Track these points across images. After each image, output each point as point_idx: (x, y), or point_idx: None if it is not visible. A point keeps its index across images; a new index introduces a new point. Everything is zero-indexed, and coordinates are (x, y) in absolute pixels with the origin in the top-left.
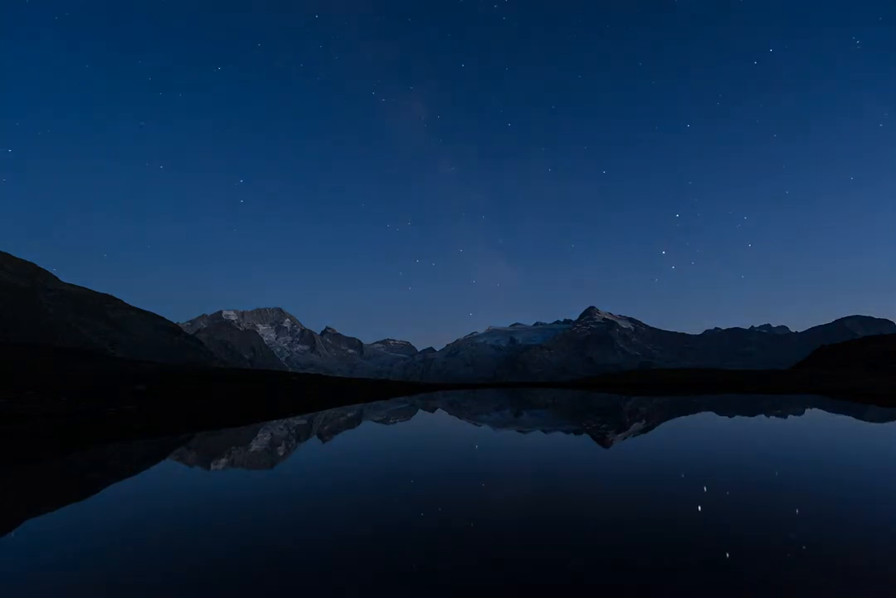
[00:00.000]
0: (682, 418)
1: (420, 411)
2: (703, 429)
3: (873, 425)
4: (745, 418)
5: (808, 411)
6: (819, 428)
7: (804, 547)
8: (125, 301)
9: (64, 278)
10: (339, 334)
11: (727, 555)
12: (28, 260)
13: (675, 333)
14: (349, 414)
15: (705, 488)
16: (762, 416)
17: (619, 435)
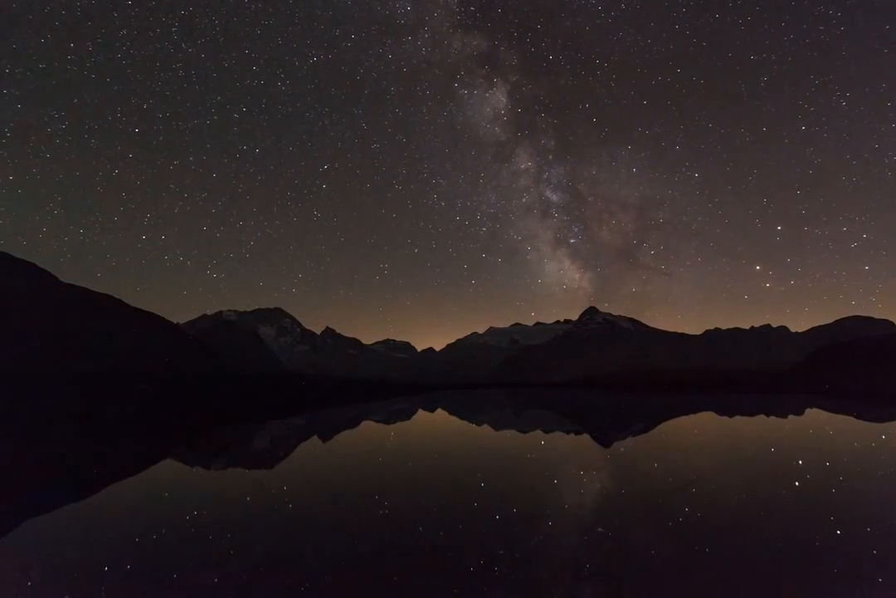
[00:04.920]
0: (682, 418)
1: (421, 411)
2: (702, 431)
3: (873, 425)
4: (746, 419)
5: (807, 411)
6: (819, 430)
7: (802, 550)
8: (125, 301)
9: (64, 278)
10: (339, 334)
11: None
12: (28, 260)
13: (675, 333)
14: (349, 414)
15: (704, 491)
16: (762, 416)
17: (619, 438)
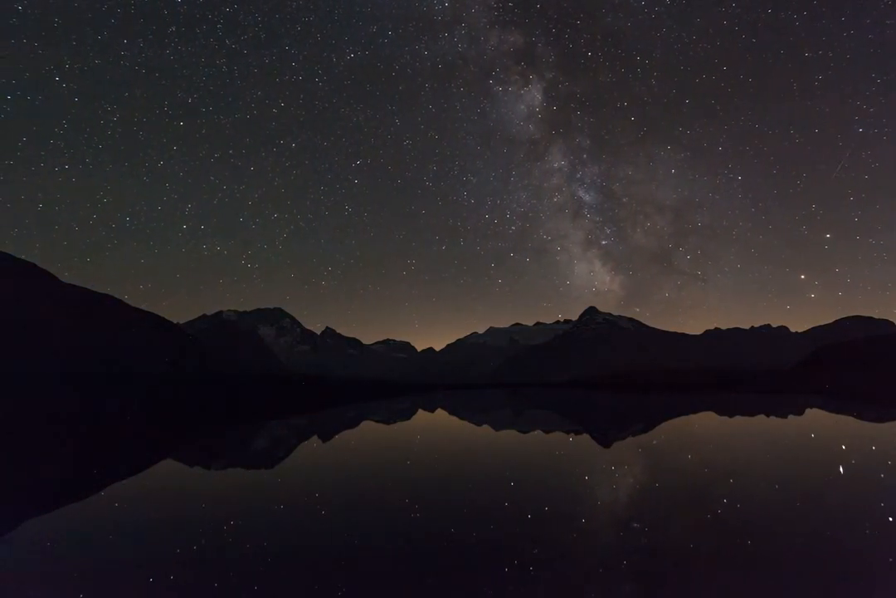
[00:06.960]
0: (682, 418)
1: (421, 411)
2: (703, 431)
3: (873, 425)
4: (746, 419)
5: (807, 411)
6: (819, 430)
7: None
8: (125, 301)
9: (64, 279)
10: (339, 334)
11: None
12: (28, 260)
13: (675, 333)
14: (349, 414)
15: (705, 491)
16: (762, 416)
17: (619, 438)
